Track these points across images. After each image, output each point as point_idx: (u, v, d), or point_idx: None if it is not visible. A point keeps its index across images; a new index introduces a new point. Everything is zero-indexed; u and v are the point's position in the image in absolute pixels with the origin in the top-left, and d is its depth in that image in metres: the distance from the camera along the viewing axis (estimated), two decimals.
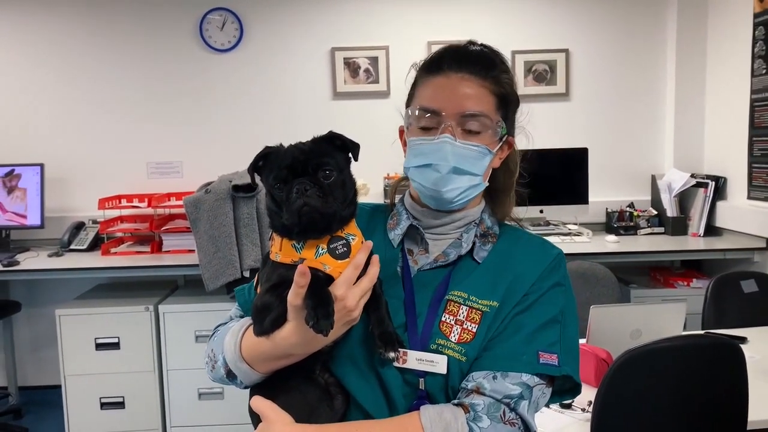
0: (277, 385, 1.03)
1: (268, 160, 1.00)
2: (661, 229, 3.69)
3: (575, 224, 3.67)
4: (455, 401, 0.99)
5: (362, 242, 1.01)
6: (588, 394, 1.74)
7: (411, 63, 1.17)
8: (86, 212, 3.75)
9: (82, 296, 3.55)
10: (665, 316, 2.06)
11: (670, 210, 3.67)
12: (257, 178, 1.03)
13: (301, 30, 3.85)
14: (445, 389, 1.02)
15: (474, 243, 1.11)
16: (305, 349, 0.99)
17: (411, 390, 1.02)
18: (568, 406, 1.74)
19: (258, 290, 1.06)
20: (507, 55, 1.18)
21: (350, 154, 1.03)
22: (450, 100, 1.06)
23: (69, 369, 3.22)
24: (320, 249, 0.97)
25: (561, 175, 3.68)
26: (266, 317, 0.99)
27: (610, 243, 3.46)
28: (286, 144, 1.01)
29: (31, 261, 3.33)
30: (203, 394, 3.26)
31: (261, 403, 0.99)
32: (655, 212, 3.75)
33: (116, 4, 3.79)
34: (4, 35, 3.79)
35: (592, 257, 3.11)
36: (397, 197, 1.24)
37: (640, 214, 3.74)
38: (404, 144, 1.18)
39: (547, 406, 1.07)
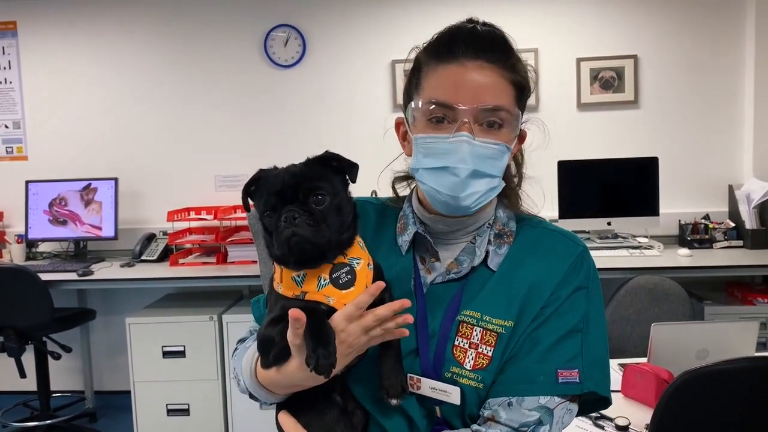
0: (299, 403, 1.02)
1: (260, 185, 0.94)
2: (740, 243, 3.48)
3: (645, 237, 3.51)
4: (474, 426, 0.95)
5: (369, 265, 0.94)
6: (646, 416, 1.65)
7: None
8: (157, 224, 3.90)
9: (151, 305, 3.68)
10: (735, 336, 1.93)
11: (750, 222, 3.46)
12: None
13: (362, 44, 3.88)
14: (461, 417, 0.97)
15: (487, 251, 1.01)
16: (315, 382, 0.93)
17: (429, 412, 0.98)
18: (625, 429, 1.65)
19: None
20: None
21: (347, 176, 0.96)
22: (468, 93, 0.92)
23: (138, 375, 3.34)
24: (322, 280, 0.90)
25: (629, 185, 3.54)
26: (270, 351, 0.95)
27: (683, 257, 3.29)
28: (284, 164, 0.97)
29: (104, 271, 3.49)
30: (264, 403, 3.30)
31: (286, 420, 1.01)
32: (733, 224, 3.54)
33: (186, 23, 3.95)
34: (80, 55, 4.01)
35: (663, 271, 2.96)
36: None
37: (716, 226, 3.54)
38: (402, 138, 1.06)
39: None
